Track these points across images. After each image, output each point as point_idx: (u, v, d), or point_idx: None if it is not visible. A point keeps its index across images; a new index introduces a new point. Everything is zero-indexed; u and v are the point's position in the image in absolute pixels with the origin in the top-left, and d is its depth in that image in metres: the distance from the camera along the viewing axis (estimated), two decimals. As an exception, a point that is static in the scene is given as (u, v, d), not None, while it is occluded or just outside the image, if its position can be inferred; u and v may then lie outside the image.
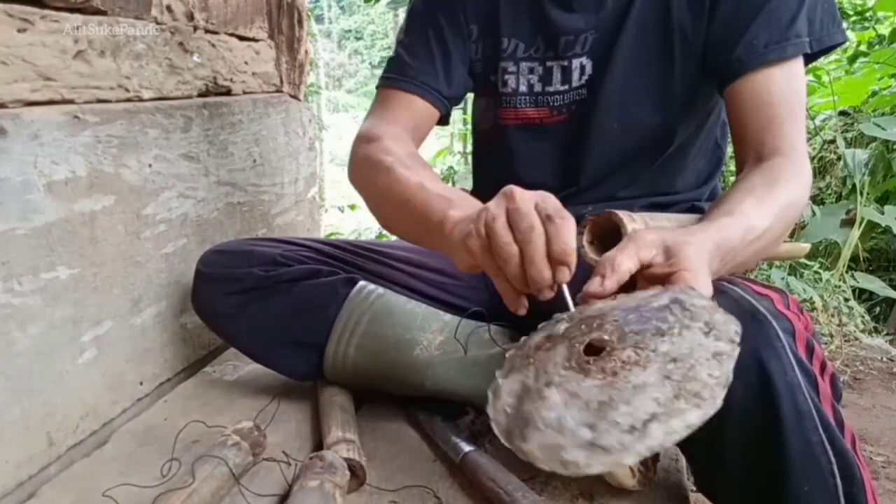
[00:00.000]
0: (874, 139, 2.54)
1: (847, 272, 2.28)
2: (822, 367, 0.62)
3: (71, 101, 0.82)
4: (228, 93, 1.20)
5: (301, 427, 0.85)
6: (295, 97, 1.49)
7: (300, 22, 1.47)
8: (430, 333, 0.83)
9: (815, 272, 2.23)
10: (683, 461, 0.77)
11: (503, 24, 0.88)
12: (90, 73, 0.84)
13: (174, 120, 0.99)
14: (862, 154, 2.46)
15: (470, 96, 1.00)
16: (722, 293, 0.63)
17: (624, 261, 0.55)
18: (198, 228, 1.06)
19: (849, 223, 2.32)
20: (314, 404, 0.88)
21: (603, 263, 0.55)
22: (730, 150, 0.88)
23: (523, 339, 0.56)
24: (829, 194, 2.81)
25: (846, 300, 2.14)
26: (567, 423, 0.46)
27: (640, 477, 0.67)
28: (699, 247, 0.57)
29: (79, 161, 0.80)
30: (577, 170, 0.89)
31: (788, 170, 0.71)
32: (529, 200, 0.56)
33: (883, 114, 2.67)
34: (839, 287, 2.17)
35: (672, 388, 0.45)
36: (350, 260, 0.93)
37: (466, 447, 0.73)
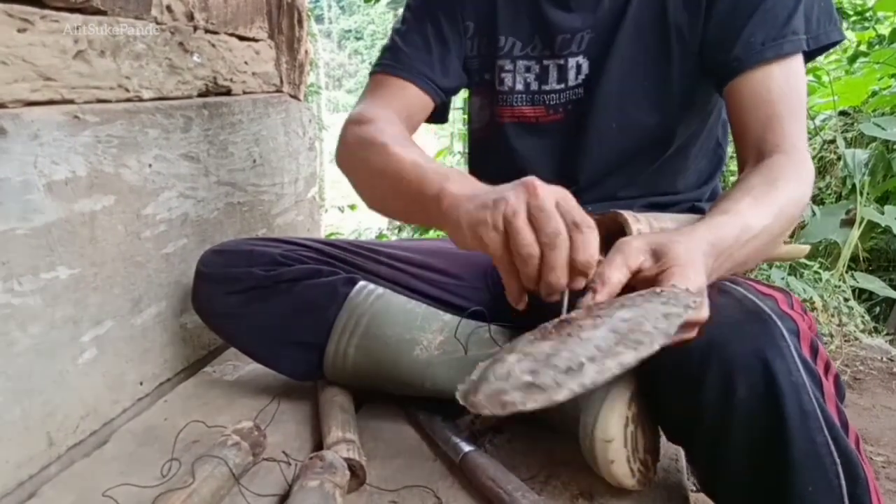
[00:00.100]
0: (874, 139, 2.54)
1: (847, 272, 2.28)
2: (827, 368, 0.62)
3: (71, 101, 0.82)
4: (228, 93, 1.20)
5: (301, 427, 0.85)
6: (295, 97, 1.49)
7: (300, 22, 1.47)
8: (431, 333, 0.83)
9: (815, 272, 2.23)
10: (683, 461, 0.77)
11: (501, 22, 0.88)
12: (90, 73, 0.84)
13: (174, 120, 0.99)
14: (862, 154, 2.46)
15: (464, 94, 1.00)
16: (725, 293, 0.63)
17: (613, 273, 0.55)
18: (198, 228, 1.06)
19: (849, 223, 2.32)
20: (314, 404, 0.88)
21: (593, 278, 0.55)
22: (731, 149, 0.88)
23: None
24: (829, 194, 2.81)
25: (846, 300, 2.14)
26: (514, 373, 0.48)
27: (639, 477, 0.67)
28: (689, 245, 0.57)
29: (79, 161, 0.80)
30: (575, 169, 0.89)
31: (789, 168, 0.71)
32: (551, 198, 0.54)
33: (883, 114, 2.67)
34: (839, 287, 2.17)
35: (615, 337, 0.48)
36: (350, 260, 0.93)
37: (466, 447, 0.74)
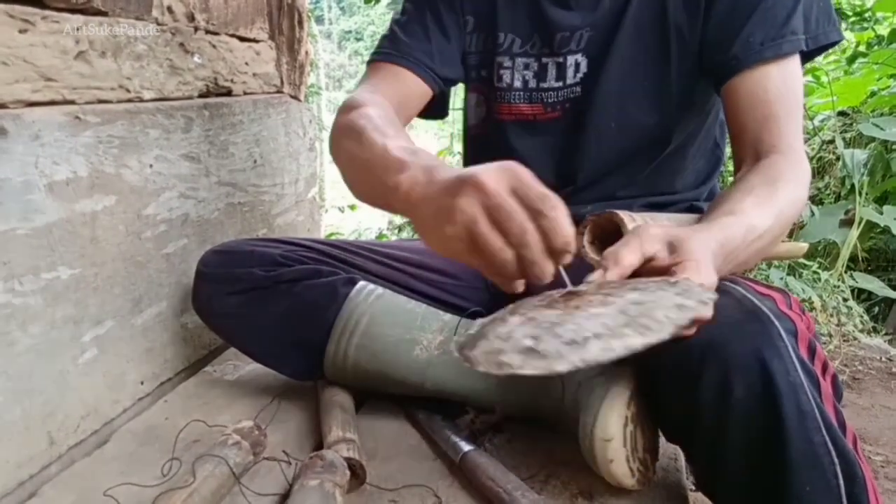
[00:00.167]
0: (873, 139, 2.54)
1: (846, 272, 2.28)
2: (824, 368, 0.62)
3: (72, 102, 0.82)
4: (229, 93, 1.20)
5: (301, 427, 0.86)
6: (295, 98, 1.49)
7: (300, 23, 1.48)
8: (430, 333, 0.83)
9: (814, 272, 2.23)
10: (682, 460, 0.77)
11: (500, 19, 0.88)
12: (91, 73, 0.85)
13: (175, 120, 1.00)
14: (861, 154, 2.47)
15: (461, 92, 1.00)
16: (724, 293, 0.63)
17: (627, 255, 0.55)
18: (198, 228, 1.06)
19: (847, 223, 2.32)
20: (314, 404, 0.88)
21: (606, 257, 0.55)
22: (729, 150, 0.88)
23: None
24: (828, 194, 2.81)
25: (845, 300, 2.14)
26: (514, 335, 0.47)
27: (639, 476, 0.67)
28: (702, 242, 0.57)
29: (80, 161, 0.80)
30: (574, 168, 0.89)
31: (786, 168, 0.71)
32: (504, 190, 0.50)
33: (882, 114, 2.67)
34: (838, 287, 2.18)
35: (624, 319, 0.46)
36: (350, 260, 0.93)
37: (466, 446, 0.74)
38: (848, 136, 2.78)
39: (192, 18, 1.08)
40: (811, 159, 2.79)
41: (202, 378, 1.02)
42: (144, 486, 0.69)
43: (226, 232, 1.14)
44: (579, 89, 0.86)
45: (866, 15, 3.29)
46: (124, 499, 0.68)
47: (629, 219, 0.70)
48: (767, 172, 0.70)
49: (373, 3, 3.81)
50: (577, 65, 0.85)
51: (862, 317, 2.14)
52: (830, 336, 1.97)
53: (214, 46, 1.15)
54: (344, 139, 0.74)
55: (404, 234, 3.27)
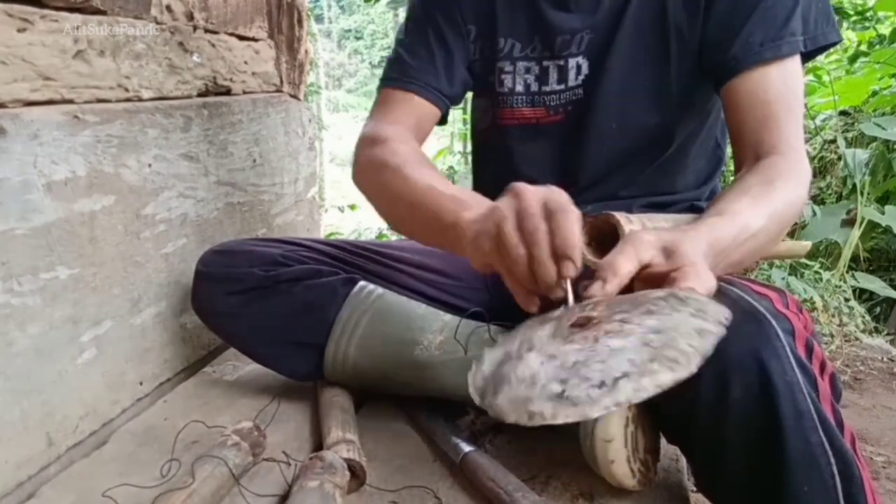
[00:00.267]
0: (875, 139, 2.54)
1: (847, 272, 2.28)
2: (822, 367, 0.61)
3: (70, 101, 0.82)
4: (228, 92, 1.20)
5: (301, 427, 0.85)
6: (295, 97, 1.49)
7: (300, 21, 1.47)
8: (431, 333, 0.83)
9: (816, 272, 2.23)
10: (683, 461, 0.76)
11: (500, 24, 0.88)
12: (90, 72, 0.84)
13: (174, 120, 0.99)
14: (862, 154, 2.46)
15: (469, 95, 1.00)
16: (721, 293, 0.62)
17: (624, 263, 0.55)
18: (197, 228, 1.06)
19: (849, 223, 2.32)
20: (314, 404, 0.88)
21: (603, 267, 0.55)
22: (730, 150, 0.88)
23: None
24: (830, 194, 2.81)
25: (846, 300, 2.14)
26: (539, 379, 0.46)
27: (640, 477, 0.67)
28: (695, 243, 0.57)
29: (78, 161, 0.80)
30: (575, 170, 0.89)
31: (786, 168, 0.71)
32: (537, 199, 0.56)
33: (883, 114, 2.67)
34: (839, 287, 2.17)
35: (649, 353, 0.46)
36: (350, 260, 0.93)
37: (466, 447, 0.73)
38: (849, 135, 2.77)
39: (191, 17, 1.08)
40: (812, 159, 2.79)
41: (201, 378, 1.02)
42: (143, 487, 0.69)
43: (225, 232, 1.14)
44: (581, 91, 0.86)
45: (868, 14, 3.28)
46: (123, 500, 0.68)
47: (625, 220, 0.70)
48: (766, 173, 0.70)
49: (372, 1, 3.81)
50: (579, 67, 0.85)
51: (863, 317, 2.13)
52: (832, 336, 1.97)
53: (213, 45, 1.14)
54: (377, 176, 0.79)
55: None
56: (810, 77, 2.84)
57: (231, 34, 1.22)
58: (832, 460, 0.54)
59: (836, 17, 0.81)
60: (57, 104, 0.79)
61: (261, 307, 0.86)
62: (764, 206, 0.66)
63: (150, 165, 0.93)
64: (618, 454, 0.65)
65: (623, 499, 0.69)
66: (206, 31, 1.13)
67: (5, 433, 0.71)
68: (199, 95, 1.10)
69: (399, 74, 0.89)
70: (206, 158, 1.08)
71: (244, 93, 1.26)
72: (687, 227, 0.63)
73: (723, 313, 0.49)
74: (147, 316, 0.95)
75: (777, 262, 2.16)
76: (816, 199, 2.73)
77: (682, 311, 0.49)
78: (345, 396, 0.86)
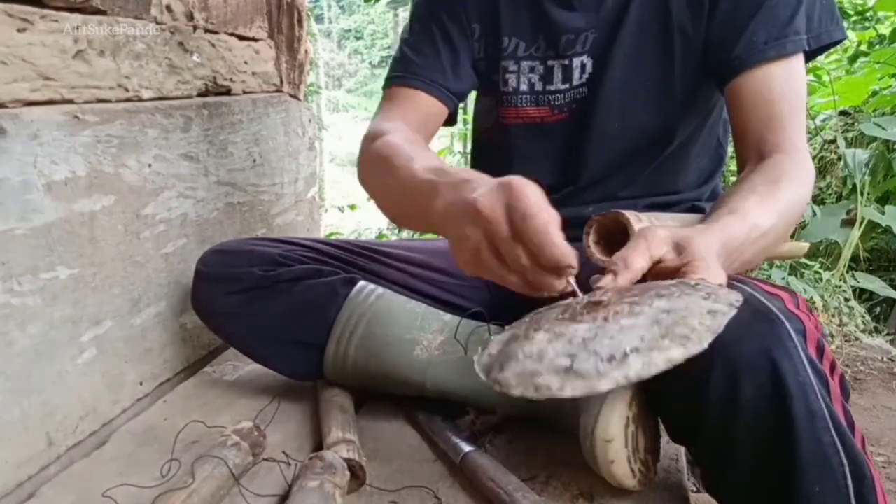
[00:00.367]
0: (875, 139, 2.54)
1: (847, 272, 2.28)
2: (832, 368, 0.61)
3: (70, 101, 0.82)
4: (228, 92, 1.20)
5: (301, 427, 0.85)
6: (295, 97, 1.49)
7: (300, 21, 1.47)
8: (431, 333, 0.83)
9: (816, 272, 2.23)
10: (684, 461, 0.76)
11: (504, 23, 0.88)
12: (90, 72, 0.84)
13: (174, 120, 0.99)
14: (862, 154, 2.46)
15: (472, 95, 1.00)
16: None
17: (637, 259, 0.54)
18: (197, 228, 1.06)
19: (849, 223, 2.32)
20: (314, 404, 0.88)
21: (615, 262, 0.55)
22: (731, 149, 0.88)
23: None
24: (830, 194, 2.81)
25: (847, 300, 2.14)
26: (547, 354, 0.45)
27: (640, 477, 0.67)
28: (707, 241, 0.57)
29: (78, 161, 0.80)
30: (577, 169, 0.89)
31: (790, 167, 0.71)
32: (499, 212, 0.52)
33: (883, 113, 2.67)
34: (840, 287, 2.17)
35: (660, 330, 0.45)
36: (350, 260, 0.93)
37: (466, 447, 0.73)
38: (849, 135, 2.77)
39: (191, 17, 1.08)
40: (813, 159, 2.77)
41: (201, 378, 1.02)
42: (143, 487, 0.69)
43: (225, 232, 1.14)
44: (585, 90, 0.86)
45: (868, 14, 3.28)
46: (123, 500, 0.68)
47: (635, 219, 0.70)
48: (770, 172, 0.70)
49: (372, 1, 3.81)
50: (583, 66, 0.85)
51: (863, 317, 2.13)
52: (832, 336, 1.97)
53: (213, 45, 1.14)
54: (373, 170, 0.78)
55: (404, 234, 3.27)
56: (811, 77, 2.84)
57: (231, 34, 1.22)
58: (844, 461, 0.54)
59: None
60: (57, 104, 0.79)
61: (261, 307, 0.86)
62: (772, 205, 0.66)
63: (150, 165, 0.93)
64: (618, 454, 0.65)
65: (623, 499, 0.69)
66: (206, 31, 1.13)
67: (5, 433, 0.71)
68: (199, 95, 1.10)
69: (404, 72, 0.88)
70: (206, 158, 1.07)
71: (244, 93, 1.26)
72: (699, 226, 0.63)
73: (734, 296, 0.48)
74: (147, 316, 0.95)
75: (777, 262, 2.16)
76: (816, 199, 2.73)
77: (693, 295, 0.48)
78: (345, 396, 0.86)
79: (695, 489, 0.77)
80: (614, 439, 0.64)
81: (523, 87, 0.88)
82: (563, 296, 0.56)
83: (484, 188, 0.54)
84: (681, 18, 0.80)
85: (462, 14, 0.89)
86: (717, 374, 0.56)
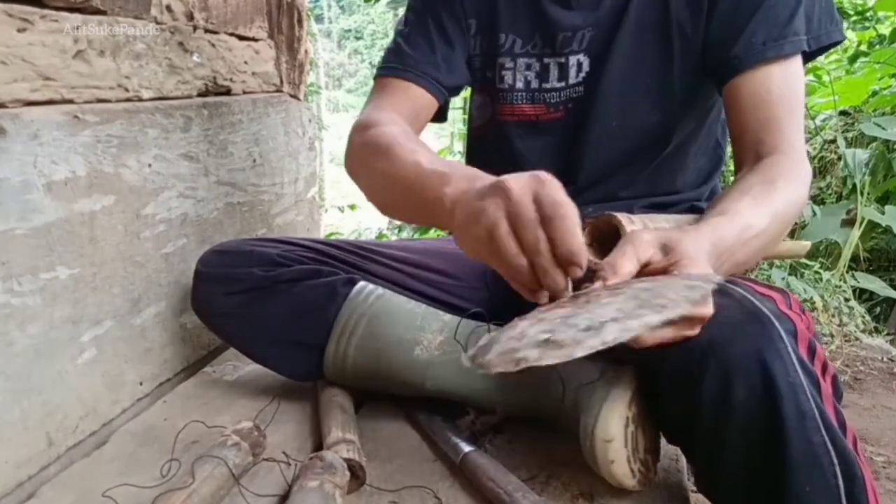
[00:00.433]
0: (875, 139, 2.54)
1: (847, 272, 2.28)
2: (824, 368, 0.62)
3: (70, 101, 0.82)
4: (228, 92, 1.20)
5: (301, 427, 0.85)
6: (295, 97, 1.49)
7: (300, 21, 1.47)
8: (430, 333, 0.83)
9: (816, 272, 2.23)
10: (683, 461, 0.76)
11: (501, 20, 0.88)
12: (90, 72, 0.84)
13: (174, 120, 0.99)
14: (862, 154, 2.46)
15: (467, 93, 1.00)
16: (724, 294, 0.63)
17: (624, 263, 0.55)
18: (197, 228, 1.06)
19: (849, 223, 2.32)
20: (314, 404, 0.88)
21: (603, 267, 0.55)
22: (730, 150, 0.88)
23: None
24: (830, 194, 2.81)
25: (847, 300, 2.14)
26: (528, 334, 0.47)
27: (640, 477, 0.67)
28: (695, 242, 0.57)
29: (78, 161, 0.80)
30: (575, 168, 0.89)
31: (787, 168, 0.71)
32: (528, 199, 0.53)
33: (883, 113, 2.67)
34: (839, 287, 2.17)
35: (638, 302, 0.46)
36: (350, 260, 0.93)
37: (466, 447, 0.73)
38: (849, 135, 2.77)
39: (191, 17, 1.08)
40: (812, 159, 2.79)
41: (201, 378, 1.02)
42: (143, 487, 0.69)
43: (225, 232, 1.14)
44: (582, 89, 0.86)
45: (868, 14, 3.28)
46: (123, 500, 0.68)
47: (627, 221, 0.70)
48: (767, 172, 0.70)
49: (372, 1, 3.81)
50: (580, 64, 0.85)
51: (863, 317, 2.13)
52: (832, 336, 1.97)
53: (213, 45, 1.14)
54: (367, 158, 0.77)
55: (404, 234, 3.27)
56: (810, 77, 2.84)
57: (231, 34, 1.22)
58: (835, 461, 0.54)
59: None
60: (57, 104, 0.79)
61: (260, 307, 0.86)
62: (766, 206, 0.66)
63: (150, 165, 0.93)
64: (618, 454, 0.65)
65: (623, 499, 0.69)
66: (206, 31, 1.13)
67: (5, 433, 0.71)
68: (199, 95, 1.10)
69: (396, 63, 0.88)
70: (206, 158, 1.07)
71: (244, 93, 1.26)
72: (689, 227, 0.63)
73: (712, 277, 0.50)
74: (147, 316, 0.95)
75: (777, 262, 2.16)
76: (816, 199, 2.73)
77: (675, 280, 0.50)
78: (345, 396, 0.86)
79: (695, 489, 0.77)
80: (614, 439, 0.64)
81: (519, 85, 0.88)
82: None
83: (514, 177, 0.55)
84: (680, 18, 0.80)
85: (459, 9, 0.89)
86: (709, 375, 0.56)
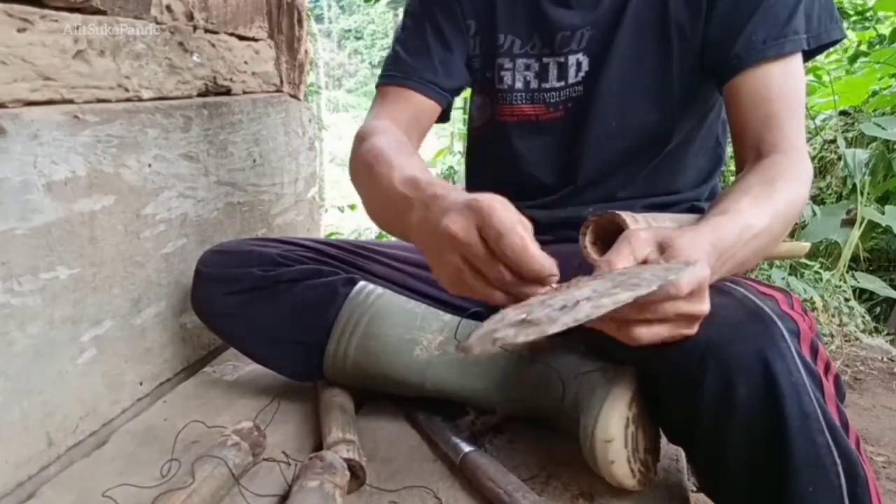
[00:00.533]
0: (875, 139, 2.54)
1: (847, 272, 2.28)
2: (827, 368, 0.61)
3: (70, 101, 0.82)
4: (228, 92, 1.20)
5: (301, 427, 0.85)
6: (295, 97, 1.49)
7: (300, 21, 1.47)
8: (430, 333, 0.83)
9: (816, 272, 2.23)
10: (683, 461, 0.76)
11: (499, 21, 0.88)
12: (90, 72, 0.84)
13: (174, 120, 0.99)
14: (862, 154, 2.46)
15: (467, 94, 1.00)
16: (725, 293, 0.62)
17: (620, 261, 0.55)
18: (197, 228, 1.06)
19: (849, 223, 2.32)
20: (314, 404, 0.88)
21: (600, 266, 0.55)
22: (731, 149, 0.88)
23: None
24: (830, 194, 2.81)
25: (847, 300, 2.14)
26: (507, 316, 0.49)
27: (640, 477, 0.67)
28: (693, 241, 0.57)
29: (78, 161, 0.80)
30: (575, 168, 0.89)
31: (787, 167, 0.70)
32: (474, 236, 0.53)
33: (883, 113, 2.66)
34: (840, 287, 2.17)
35: (612, 284, 0.48)
36: (350, 260, 0.93)
37: (466, 447, 0.73)
38: (849, 135, 2.77)
39: (191, 17, 1.08)
40: (813, 159, 2.78)
41: (201, 378, 1.02)
42: (143, 487, 0.69)
43: (225, 232, 1.14)
44: (581, 88, 0.86)
45: (868, 14, 3.28)
46: (123, 500, 0.68)
47: (631, 219, 0.70)
48: (767, 172, 0.70)
49: (372, 1, 3.81)
50: (579, 64, 0.85)
51: (864, 317, 2.13)
52: (832, 336, 1.97)
53: (213, 45, 1.14)
54: (359, 175, 0.78)
55: (405, 234, 3.26)
56: (810, 77, 2.84)
57: (231, 34, 1.22)
58: (837, 461, 0.54)
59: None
60: (57, 104, 0.79)
61: (260, 307, 0.86)
62: (766, 206, 0.65)
63: (150, 165, 0.93)
64: (618, 454, 0.65)
65: (623, 499, 0.69)
66: (206, 31, 1.13)
67: (5, 433, 0.71)
68: (199, 95, 1.10)
69: (396, 71, 0.89)
70: (206, 158, 1.07)
71: (244, 93, 1.26)
72: (688, 227, 0.63)
73: (692, 259, 0.52)
74: (147, 316, 0.95)
75: (777, 262, 2.16)
76: (816, 199, 2.73)
77: (654, 266, 0.52)
78: (345, 396, 0.86)
79: (695, 489, 0.77)
80: (614, 439, 0.64)
81: (518, 85, 0.88)
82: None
83: (453, 211, 0.55)
84: (679, 18, 0.80)
85: (457, 10, 0.89)
86: (711, 374, 0.56)
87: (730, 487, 0.59)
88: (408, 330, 0.83)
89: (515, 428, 0.82)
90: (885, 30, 3.06)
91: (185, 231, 1.03)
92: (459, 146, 4.01)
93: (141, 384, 0.94)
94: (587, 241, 0.72)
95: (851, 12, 3.30)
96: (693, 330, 0.56)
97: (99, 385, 0.85)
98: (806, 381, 0.55)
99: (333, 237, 2.32)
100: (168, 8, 1.02)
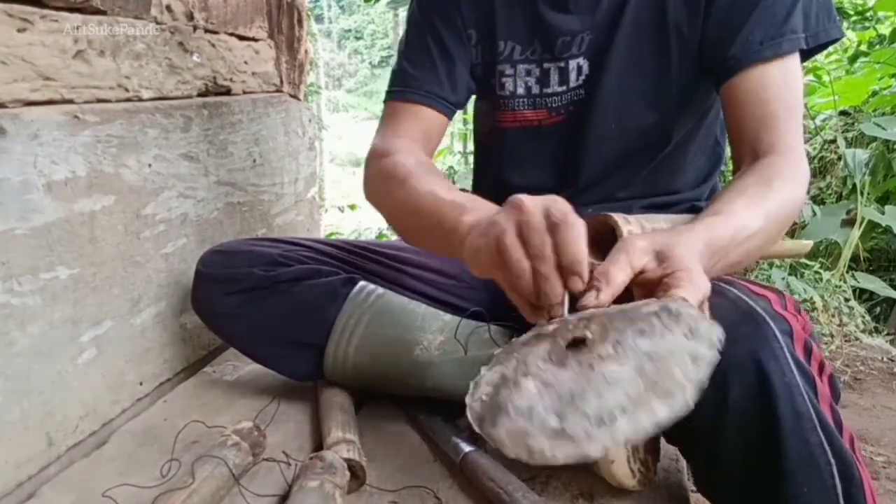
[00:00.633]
0: (874, 139, 2.54)
1: (847, 272, 2.28)
2: (821, 368, 0.61)
3: (70, 101, 0.82)
4: (228, 92, 1.20)
5: (301, 427, 0.85)
6: (295, 97, 1.49)
7: (300, 21, 1.47)
8: (431, 333, 0.83)
9: (816, 272, 2.23)
10: (683, 461, 0.76)
11: (499, 28, 0.88)
12: (90, 72, 0.84)
13: (174, 120, 0.99)
14: (862, 154, 2.46)
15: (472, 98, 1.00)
16: (719, 294, 0.62)
17: (618, 273, 0.54)
18: (197, 228, 1.06)
19: (849, 223, 2.32)
20: (314, 404, 0.88)
21: (596, 277, 0.55)
22: (729, 149, 0.88)
23: (514, 339, 0.56)
24: (830, 194, 2.81)
25: (846, 300, 2.14)
26: (537, 411, 0.47)
27: (640, 477, 0.67)
28: (689, 246, 0.57)
29: (78, 161, 0.80)
30: (575, 171, 0.89)
31: (784, 168, 0.70)
32: (539, 210, 0.53)
33: (883, 113, 2.67)
34: (839, 287, 2.17)
35: (644, 384, 0.46)
36: (350, 260, 0.93)
37: (467, 447, 0.73)
38: (849, 135, 2.77)
39: (191, 17, 1.08)
40: (812, 159, 2.79)
41: (201, 378, 1.02)
42: (143, 487, 0.69)
43: (225, 232, 1.14)
44: (582, 92, 0.86)
45: (868, 14, 3.28)
46: (123, 500, 0.68)
47: (623, 221, 0.70)
48: (764, 172, 0.70)
49: (372, 1, 3.81)
50: (580, 68, 0.85)
51: (863, 317, 2.13)
52: (832, 336, 1.97)
53: (213, 45, 1.14)
54: (385, 187, 0.79)
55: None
56: (810, 77, 2.84)
57: (231, 34, 1.22)
58: (832, 461, 0.54)
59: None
60: (57, 104, 0.79)
61: (260, 307, 0.86)
62: (761, 206, 0.65)
63: (150, 165, 0.94)
64: (618, 454, 0.65)
65: (623, 499, 0.69)
66: (206, 31, 1.13)
67: (5, 433, 0.71)
68: (199, 95, 1.10)
69: (403, 87, 0.89)
70: (206, 158, 1.08)
71: (244, 93, 1.26)
72: (682, 227, 0.62)
73: (716, 333, 0.49)
74: (147, 316, 0.95)
75: (777, 262, 2.16)
76: (816, 199, 2.73)
77: (675, 332, 0.49)
78: (345, 396, 0.86)
79: (695, 489, 0.77)
80: (614, 439, 0.64)
81: (520, 91, 0.88)
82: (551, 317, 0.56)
83: (525, 195, 0.56)
84: (677, 18, 0.80)
85: (458, 20, 0.89)
86: None
87: (725, 488, 0.59)
88: (408, 330, 0.83)
89: (515, 428, 0.82)
90: (885, 30, 3.06)
91: (185, 231, 1.03)
92: (459, 146, 4.01)
93: (141, 384, 0.94)
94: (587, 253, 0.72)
95: (851, 12, 3.30)
96: None
97: (99, 385, 0.85)
98: (799, 381, 0.55)
99: (333, 237, 2.32)
100: (168, 8, 1.02)
